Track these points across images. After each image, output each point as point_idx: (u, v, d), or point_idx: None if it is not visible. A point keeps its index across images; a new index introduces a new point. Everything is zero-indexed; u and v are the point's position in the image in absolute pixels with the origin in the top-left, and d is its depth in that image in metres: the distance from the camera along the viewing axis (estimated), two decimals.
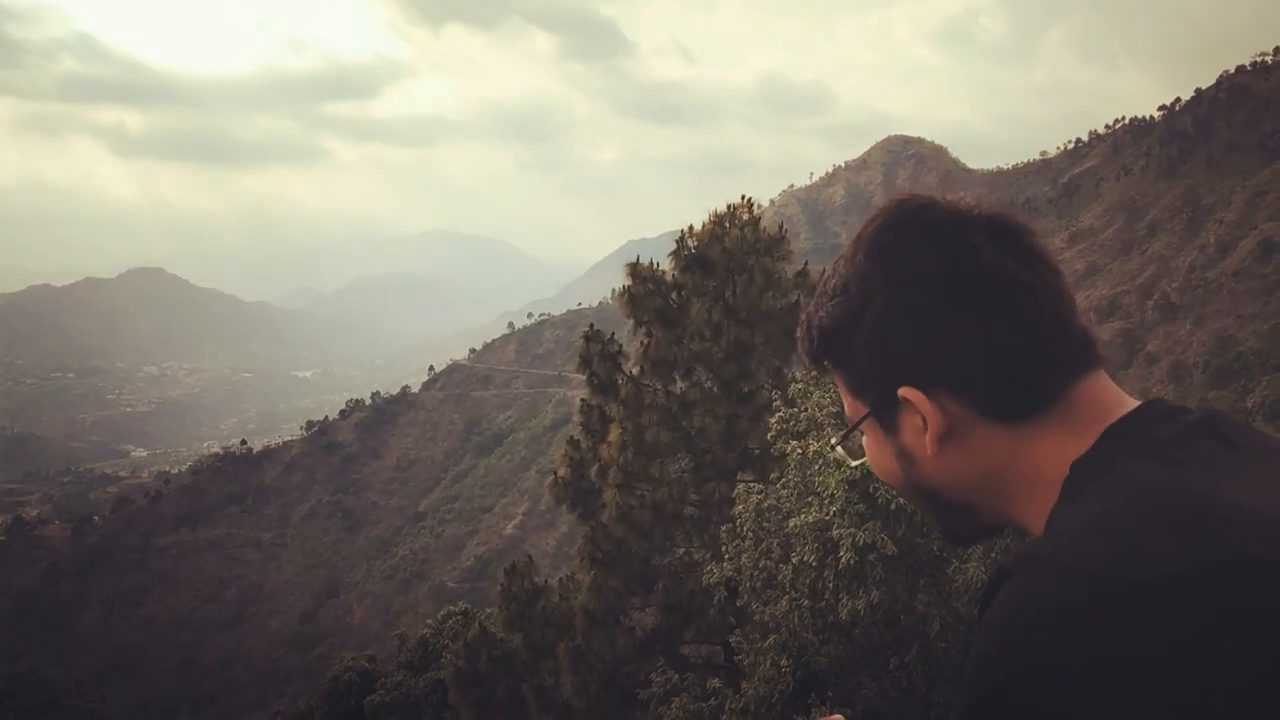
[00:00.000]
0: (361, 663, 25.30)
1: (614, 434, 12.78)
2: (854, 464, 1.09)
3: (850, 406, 1.02)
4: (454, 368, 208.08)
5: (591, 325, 14.06)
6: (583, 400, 13.95)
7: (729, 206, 13.24)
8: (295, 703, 31.92)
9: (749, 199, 13.62)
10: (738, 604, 10.17)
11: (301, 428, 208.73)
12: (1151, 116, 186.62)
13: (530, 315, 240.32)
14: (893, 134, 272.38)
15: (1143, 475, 0.83)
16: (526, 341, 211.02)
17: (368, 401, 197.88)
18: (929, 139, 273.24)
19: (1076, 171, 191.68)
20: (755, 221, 13.18)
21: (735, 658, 12.11)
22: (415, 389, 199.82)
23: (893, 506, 7.58)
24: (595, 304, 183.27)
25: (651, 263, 13.40)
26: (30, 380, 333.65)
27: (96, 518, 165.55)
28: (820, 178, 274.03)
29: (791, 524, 8.25)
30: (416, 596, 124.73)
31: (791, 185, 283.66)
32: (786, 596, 8.35)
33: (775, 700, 8.28)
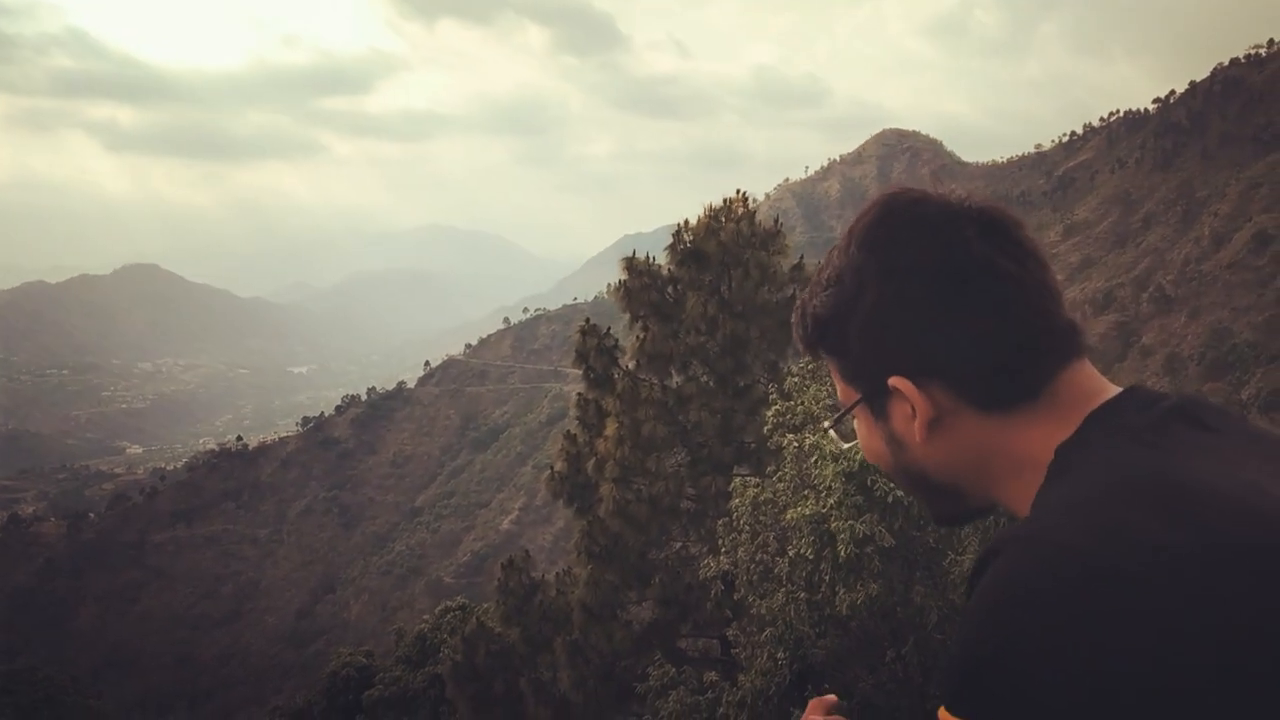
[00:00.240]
0: (359, 658, 25.33)
1: (610, 428, 12.78)
2: (845, 446, 1.11)
3: (843, 392, 1.04)
4: (450, 363, 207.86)
5: (587, 320, 14.03)
6: (579, 395, 13.94)
7: (724, 201, 13.23)
8: (293, 698, 31.89)
9: (744, 193, 13.59)
10: (734, 597, 10.19)
11: (297, 424, 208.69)
12: (1146, 109, 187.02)
13: (526, 310, 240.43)
14: (887, 128, 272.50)
15: (1120, 458, 0.85)
16: (522, 337, 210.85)
17: (363, 397, 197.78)
18: (924, 132, 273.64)
19: (1071, 164, 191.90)
20: (750, 215, 13.16)
21: (732, 651, 12.14)
22: (411, 384, 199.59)
23: (890, 499, 7.59)
24: (591, 299, 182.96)
25: (647, 257, 13.39)
26: (25, 377, 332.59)
27: (92, 514, 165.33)
28: (815, 172, 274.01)
29: (789, 515, 8.26)
30: (413, 592, 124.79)
31: (787, 179, 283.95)
32: (783, 589, 8.37)
33: (772, 693, 8.29)
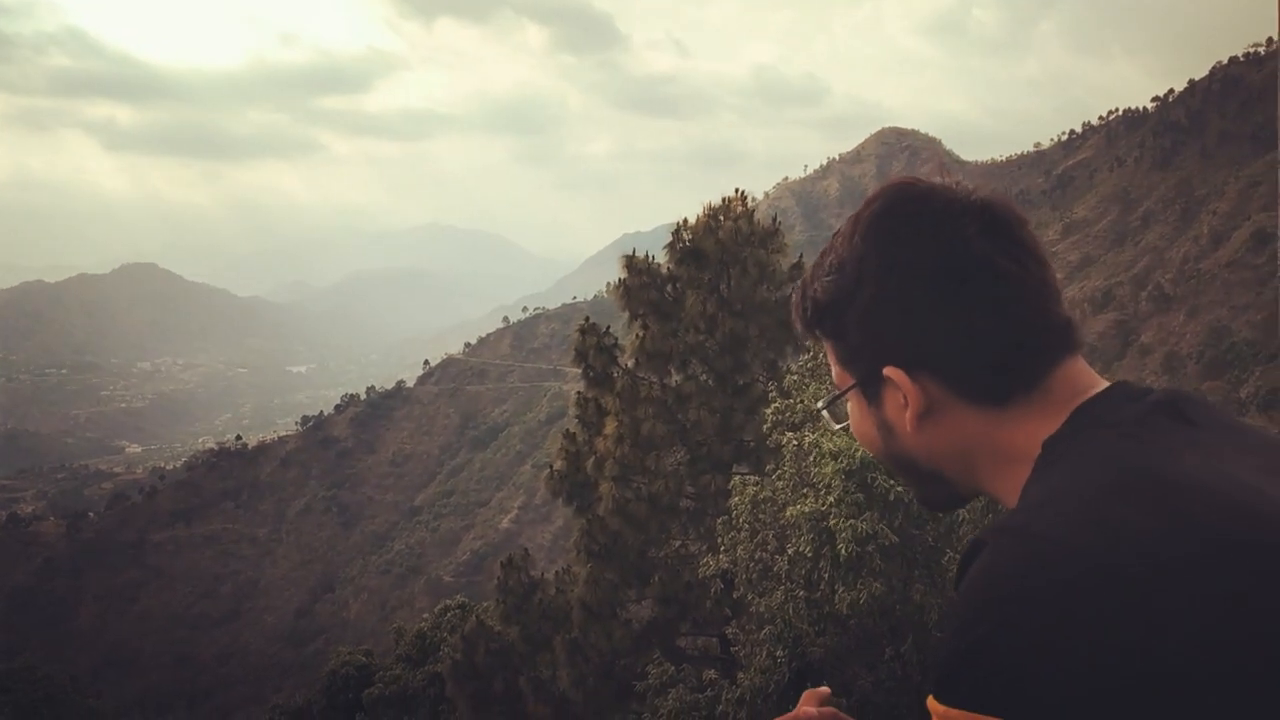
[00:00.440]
0: (359, 657, 25.32)
1: (610, 427, 12.78)
2: (836, 427, 1.13)
3: (838, 375, 1.06)
4: (449, 362, 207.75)
5: (586, 318, 14.04)
6: (578, 393, 13.95)
7: (723, 199, 13.24)
8: (292, 697, 31.84)
9: (743, 192, 13.61)
10: (734, 596, 10.20)
11: (296, 423, 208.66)
12: (1145, 108, 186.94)
13: (525, 309, 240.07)
14: (886, 126, 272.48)
15: (1104, 451, 0.87)
16: (521, 335, 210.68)
17: (363, 396, 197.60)
18: (923, 131, 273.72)
19: (1070, 163, 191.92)
20: (749, 214, 13.18)
21: (731, 649, 12.16)
22: (410, 383, 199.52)
23: (891, 496, 7.60)
24: (590, 297, 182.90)
25: (646, 256, 13.40)
26: (24, 376, 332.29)
27: (91, 514, 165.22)
28: (814, 170, 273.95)
29: (788, 513, 8.27)
30: (413, 591, 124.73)
31: (786, 178, 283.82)
32: (782, 588, 8.37)
33: (771, 691, 8.30)
